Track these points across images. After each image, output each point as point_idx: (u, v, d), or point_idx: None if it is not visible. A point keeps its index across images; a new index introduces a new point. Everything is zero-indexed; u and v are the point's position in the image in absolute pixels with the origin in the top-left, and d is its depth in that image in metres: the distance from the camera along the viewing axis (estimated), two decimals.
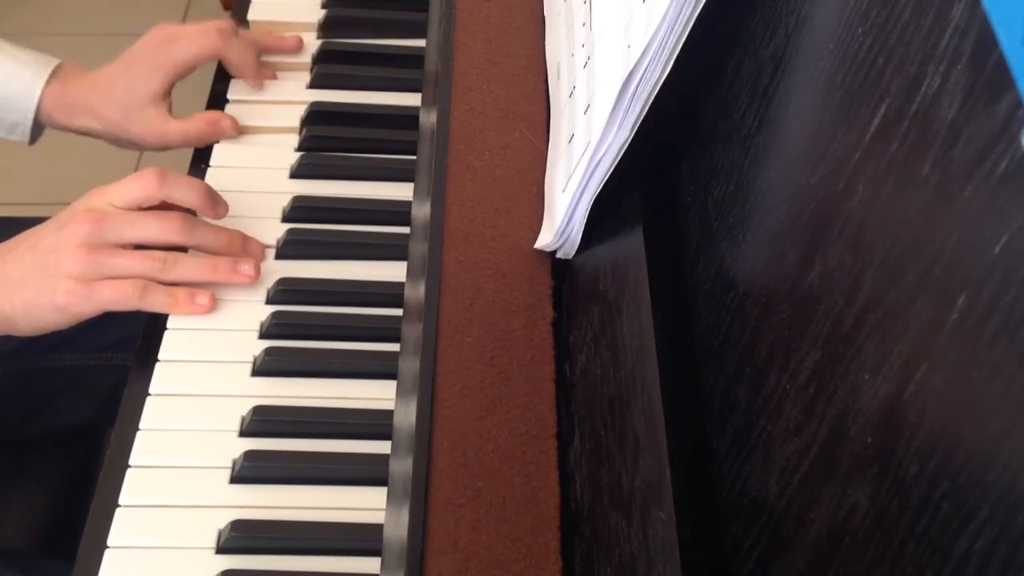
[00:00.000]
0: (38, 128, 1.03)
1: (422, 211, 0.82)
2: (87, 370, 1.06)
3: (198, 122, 0.99)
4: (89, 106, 1.00)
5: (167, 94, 1.00)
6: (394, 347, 0.82)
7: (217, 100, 1.03)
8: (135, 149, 1.04)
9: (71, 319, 0.83)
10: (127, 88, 0.99)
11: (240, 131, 1.00)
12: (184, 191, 0.85)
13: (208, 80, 1.05)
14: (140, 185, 0.84)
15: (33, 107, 1.00)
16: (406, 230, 0.88)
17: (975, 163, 0.43)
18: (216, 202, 0.88)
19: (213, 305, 0.85)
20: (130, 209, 0.84)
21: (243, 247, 0.88)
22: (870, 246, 0.50)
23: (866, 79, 0.53)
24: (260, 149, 0.99)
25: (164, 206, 0.85)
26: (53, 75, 1.00)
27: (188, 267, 0.84)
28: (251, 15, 1.11)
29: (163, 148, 1.01)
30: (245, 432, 0.79)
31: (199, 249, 0.86)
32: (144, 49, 1.00)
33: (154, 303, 0.83)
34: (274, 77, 1.05)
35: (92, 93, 1.00)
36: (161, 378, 0.82)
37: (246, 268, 0.86)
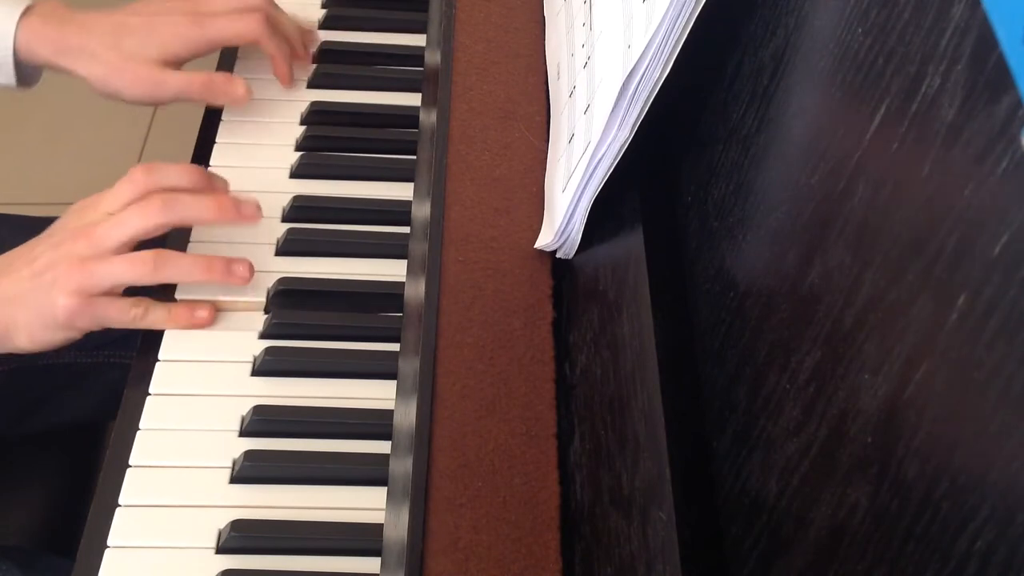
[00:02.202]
0: (25, 70, 0.98)
1: (422, 211, 0.82)
2: (86, 368, 1.06)
3: (211, 75, 0.96)
4: (82, 46, 0.95)
5: (182, 64, 0.97)
6: (394, 347, 0.82)
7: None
8: (118, 98, 0.98)
9: (75, 333, 0.82)
10: (142, 42, 0.95)
11: (248, 98, 0.98)
12: (175, 173, 0.84)
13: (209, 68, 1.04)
14: (130, 182, 0.83)
15: (9, 44, 0.95)
16: (406, 230, 0.88)
17: (975, 163, 0.43)
18: (212, 178, 0.86)
19: (213, 318, 0.85)
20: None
21: (236, 210, 0.85)
22: (870, 246, 0.50)
23: (866, 79, 0.53)
24: (260, 149, 0.99)
25: None
26: (29, 11, 0.95)
27: (180, 266, 0.83)
28: None
29: (156, 101, 0.97)
30: (245, 432, 0.79)
31: (192, 224, 0.85)
32: (173, 12, 0.96)
33: (155, 321, 0.83)
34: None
35: (88, 35, 0.95)
36: (161, 378, 0.82)
37: (240, 269, 0.85)
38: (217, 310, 0.85)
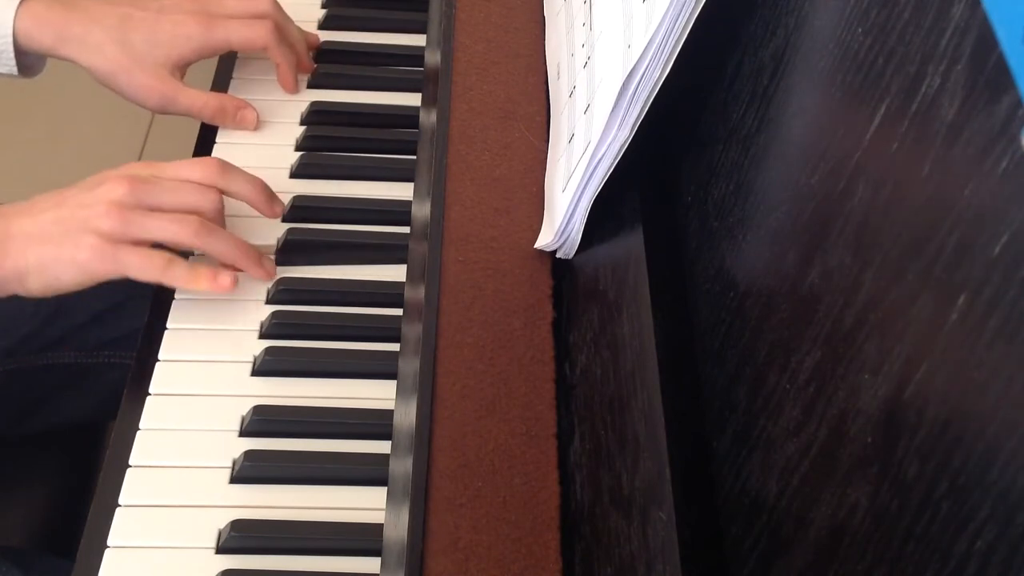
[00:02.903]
0: (27, 59, 0.96)
1: (422, 211, 0.82)
2: (86, 368, 1.05)
3: (223, 100, 0.97)
4: (86, 37, 0.93)
5: (188, 66, 0.97)
6: (394, 347, 0.82)
7: (217, 88, 1.03)
8: (122, 96, 0.97)
9: (88, 278, 0.80)
10: (149, 40, 0.94)
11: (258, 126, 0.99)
12: (243, 183, 0.85)
13: (209, 69, 1.04)
14: (201, 170, 0.83)
15: (9, 32, 0.93)
16: (406, 230, 0.88)
17: (975, 163, 0.43)
18: (273, 200, 0.88)
19: (234, 285, 0.83)
20: None
21: (260, 264, 0.86)
22: (870, 246, 0.50)
23: (866, 79, 0.53)
24: (260, 149, 0.99)
25: None
26: None
27: (221, 240, 0.82)
28: None
29: (162, 112, 0.97)
30: (245, 432, 0.79)
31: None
32: (180, 11, 0.95)
33: (176, 276, 0.81)
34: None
35: (93, 24, 0.93)
36: (161, 378, 0.82)
37: (269, 265, 0.86)
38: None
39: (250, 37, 0.97)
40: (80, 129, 2.10)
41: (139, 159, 2.05)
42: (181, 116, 0.98)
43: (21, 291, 0.81)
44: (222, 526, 0.74)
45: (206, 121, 0.98)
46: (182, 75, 0.97)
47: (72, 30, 0.94)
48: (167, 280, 0.82)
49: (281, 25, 0.99)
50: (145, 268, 0.80)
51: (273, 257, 0.89)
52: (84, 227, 0.79)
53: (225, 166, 0.84)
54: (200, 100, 0.96)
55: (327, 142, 0.99)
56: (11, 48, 0.94)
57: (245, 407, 0.80)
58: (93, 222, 0.79)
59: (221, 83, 1.03)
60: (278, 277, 0.87)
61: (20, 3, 0.93)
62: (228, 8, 0.97)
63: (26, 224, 0.80)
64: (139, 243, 0.80)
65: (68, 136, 2.12)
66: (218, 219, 0.84)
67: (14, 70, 0.96)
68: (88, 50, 0.94)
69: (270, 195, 0.87)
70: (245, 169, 0.96)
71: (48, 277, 0.80)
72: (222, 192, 0.84)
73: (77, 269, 0.79)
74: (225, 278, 0.82)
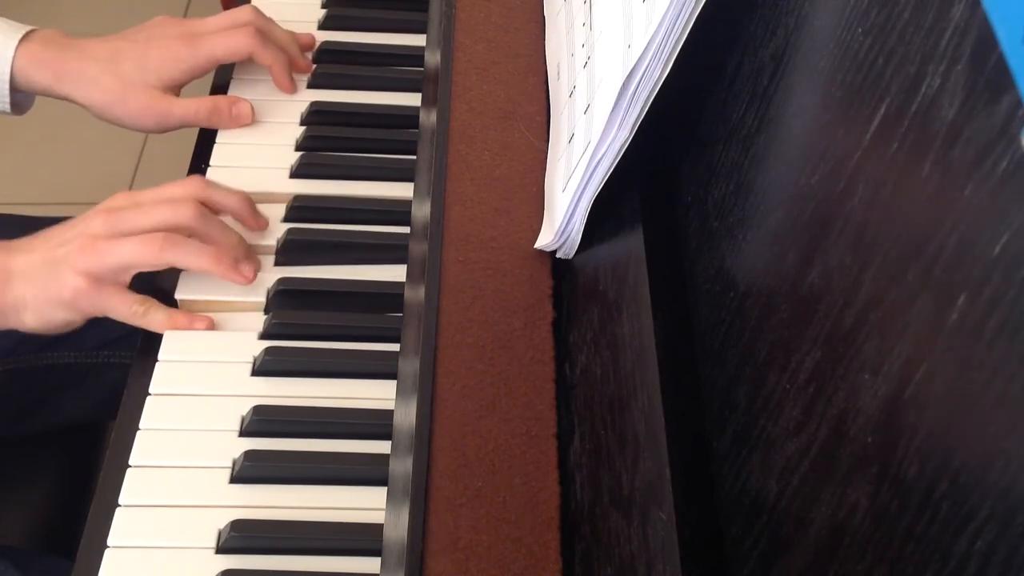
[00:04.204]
0: (21, 97, 0.99)
1: (422, 211, 0.82)
2: (86, 368, 1.06)
3: (215, 100, 0.98)
4: (81, 72, 0.96)
5: (181, 87, 0.98)
6: (394, 347, 0.82)
7: (217, 93, 1.03)
8: (121, 126, 1.00)
9: (79, 315, 0.83)
10: (139, 66, 0.96)
11: (253, 120, 0.99)
12: (225, 195, 0.86)
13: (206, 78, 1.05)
14: (181, 188, 0.84)
15: (7, 70, 0.96)
16: (406, 230, 0.88)
17: (975, 163, 0.43)
18: (256, 214, 0.89)
19: (210, 328, 0.85)
20: None
21: (246, 252, 0.87)
22: (870, 246, 0.50)
23: (866, 79, 0.53)
24: (260, 149, 0.99)
25: None
26: (28, 37, 0.96)
27: (189, 250, 0.83)
28: None
29: (162, 130, 0.99)
30: (245, 432, 0.79)
31: (207, 241, 0.85)
32: (166, 37, 0.97)
33: (153, 322, 0.83)
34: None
35: (87, 60, 0.96)
36: (161, 378, 0.82)
37: (246, 269, 0.86)
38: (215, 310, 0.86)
39: (233, 46, 0.98)
40: (80, 131, 2.09)
41: (138, 162, 2.05)
42: (181, 129, 0.99)
43: (20, 327, 0.84)
44: (222, 526, 0.74)
45: (203, 125, 0.99)
46: (176, 96, 0.98)
47: (68, 67, 0.96)
48: (145, 326, 0.84)
49: (263, 29, 0.99)
50: (124, 312, 0.83)
51: (273, 257, 0.89)
52: (65, 266, 0.81)
53: (207, 181, 0.85)
54: (193, 106, 0.98)
55: (327, 142, 0.99)
56: (7, 87, 0.97)
57: (245, 407, 0.80)
58: (72, 259, 0.81)
59: (221, 85, 1.04)
60: (278, 277, 0.87)
61: (18, 44, 0.95)
62: (211, 26, 0.99)
63: (22, 262, 0.82)
64: (118, 274, 0.82)
65: (68, 138, 2.11)
66: (199, 221, 0.83)
67: (7, 108, 0.99)
68: (84, 86, 0.96)
69: (254, 209, 0.89)
70: (245, 169, 0.97)
71: (43, 316, 0.83)
72: (206, 204, 0.85)
73: (66, 308, 0.82)
74: (200, 323, 0.84)
